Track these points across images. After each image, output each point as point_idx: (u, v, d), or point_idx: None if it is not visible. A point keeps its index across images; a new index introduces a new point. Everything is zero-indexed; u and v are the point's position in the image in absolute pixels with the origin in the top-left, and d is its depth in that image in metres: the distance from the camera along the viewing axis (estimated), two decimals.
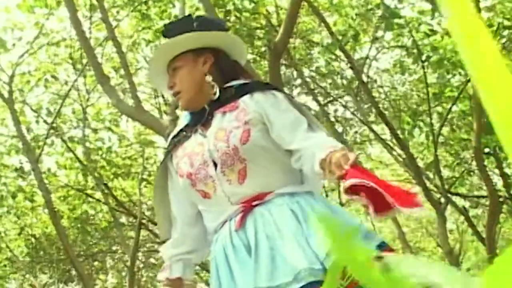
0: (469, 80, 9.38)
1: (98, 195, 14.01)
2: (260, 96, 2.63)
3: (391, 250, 2.52)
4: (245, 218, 2.43)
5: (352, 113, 13.44)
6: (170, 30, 2.75)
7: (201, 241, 2.73)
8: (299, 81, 12.98)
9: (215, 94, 2.68)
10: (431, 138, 10.37)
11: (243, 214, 2.44)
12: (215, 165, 2.51)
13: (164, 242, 2.83)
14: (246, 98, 2.62)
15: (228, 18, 10.09)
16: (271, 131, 2.54)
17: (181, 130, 2.76)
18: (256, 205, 2.44)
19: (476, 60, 0.46)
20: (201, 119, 2.67)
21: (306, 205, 2.43)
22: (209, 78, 2.72)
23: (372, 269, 0.60)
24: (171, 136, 2.83)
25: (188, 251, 2.73)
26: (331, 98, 13.42)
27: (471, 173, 11.07)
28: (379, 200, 2.08)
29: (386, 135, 12.76)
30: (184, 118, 2.83)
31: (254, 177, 2.48)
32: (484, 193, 11.31)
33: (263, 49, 11.53)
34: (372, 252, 0.62)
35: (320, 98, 12.94)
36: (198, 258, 2.84)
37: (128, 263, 12.50)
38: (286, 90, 10.88)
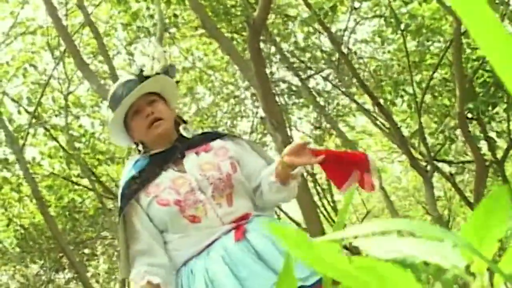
0: (449, 47, 9.39)
1: (84, 182, 13.99)
2: (230, 141, 3.01)
3: None
4: (243, 231, 2.66)
5: (334, 86, 13.43)
6: (145, 75, 2.92)
7: (168, 266, 2.76)
8: (278, 56, 12.95)
9: (183, 134, 2.98)
10: (414, 106, 10.38)
11: (238, 229, 2.68)
12: (202, 192, 2.74)
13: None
14: (218, 141, 2.97)
15: None
16: (241, 170, 2.89)
17: (142, 171, 2.88)
18: (245, 223, 2.71)
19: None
20: (171, 157, 2.88)
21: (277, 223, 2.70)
22: (179, 120, 3.06)
23: (341, 263, 0.59)
24: (128, 177, 2.88)
25: (161, 264, 2.74)
26: (312, 72, 13.41)
27: (455, 139, 11.09)
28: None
29: (369, 105, 12.78)
30: (134, 165, 2.94)
31: (238, 200, 2.79)
32: (470, 158, 11.35)
33: (239, 26, 11.50)
34: (337, 245, 0.62)
35: (301, 73, 12.91)
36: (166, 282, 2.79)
37: (119, 248, 12.49)
38: (266, 66, 10.87)
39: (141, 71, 2.92)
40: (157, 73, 2.94)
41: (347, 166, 2.72)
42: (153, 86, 2.91)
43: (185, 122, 3.08)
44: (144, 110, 2.87)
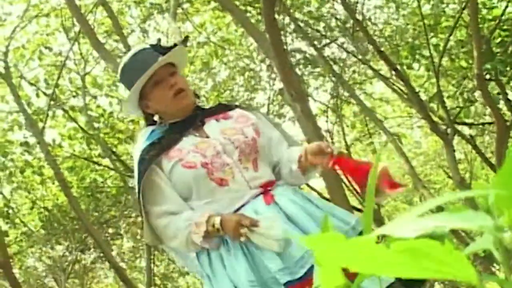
0: (464, 8, 9.30)
1: (105, 161, 14.05)
2: (249, 112, 3.01)
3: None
4: (272, 196, 2.65)
5: (349, 53, 13.36)
6: (159, 45, 2.90)
7: None
8: (292, 26, 12.89)
9: (194, 104, 2.93)
10: (431, 70, 10.31)
11: (266, 193, 2.66)
12: (228, 156, 2.71)
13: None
14: (237, 110, 2.98)
15: None
16: (263, 138, 2.88)
17: (161, 138, 2.82)
18: (271, 189, 2.70)
19: None
20: (191, 125, 2.85)
21: (301, 193, 2.78)
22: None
23: (381, 253, 0.58)
24: (145, 145, 2.81)
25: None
26: (327, 41, 13.34)
27: (474, 101, 11.03)
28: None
29: (386, 72, 12.72)
30: (151, 134, 2.87)
31: (263, 166, 2.78)
32: (489, 119, 11.29)
33: None
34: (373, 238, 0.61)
35: (316, 42, 12.85)
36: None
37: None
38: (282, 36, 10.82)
39: (159, 40, 2.91)
40: (175, 44, 2.90)
41: (364, 169, 2.62)
42: (173, 57, 2.87)
43: (197, 95, 3.05)
44: (167, 80, 2.82)
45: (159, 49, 2.85)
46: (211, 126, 2.84)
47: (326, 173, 7.21)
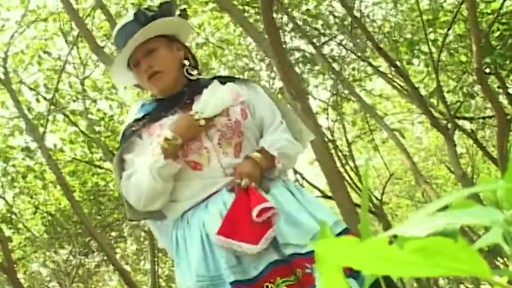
0: (462, 2, 9.30)
1: (107, 165, 14.06)
2: (244, 85, 2.79)
3: (354, 234, 2.56)
4: None
5: (348, 50, 13.36)
6: (144, 14, 2.72)
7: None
8: (290, 25, 12.89)
9: (190, 77, 2.74)
10: (430, 65, 10.32)
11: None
12: (208, 138, 2.54)
13: (132, 220, 2.72)
14: (231, 85, 2.73)
15: None
16: (253, 117, 2.67)
17: (146, 114, 2.70)
18: None
19: None
20: (177, 102, 2.68)
21: (282, 183, 2.59)
22: (187, 62, 2.78)
23: (394, 254, 0.58)
24: (131, 120, 2.72)
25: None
26: (326, 39, 13.34)
27: (475, 95, 11.02)
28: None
29: (385, 68, 12.74)
30: (140, 109, 2.76)
31: (245, 151, 2.56)
32: (490, 113, 11.29)
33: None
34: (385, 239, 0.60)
35: (314, 40, 12.86)
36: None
37: (146, 228, 12.57)
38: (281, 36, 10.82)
39: (136, 14, 2.72)
40: (153, 17, 2.69)
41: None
42: (150, 32, 2.68)
43: (195, 60, 2.86)
44: (141, 63, 2.69)
45: (142, 21, 2.68)
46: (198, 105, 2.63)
47: (329, 171, 7.22)
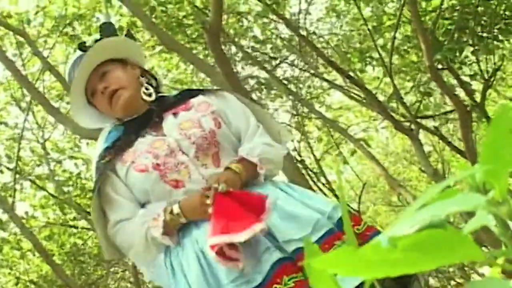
0: (404, 4, 9.40)
1: (82, 223, 13.95)
2: (213, 95, 2.75)
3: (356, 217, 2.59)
4: None
5: (301, 70, 13.43)
6: (87, 43, 2.70)
7: None
8: (240, 54, 12.95)
9: (150, 96, 2.69)
10: (384, 70, 10.41)
11: None
12: (183, 153, 2.50)
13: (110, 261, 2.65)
14: (200, 97, 2.71)
15: (154, 14, 10.03)
16: (228, 126, 2.64)
17: (116, 140, 2.64)
18: None
19: None
20: (147, 122, 2.63)
21: (271, 183, 2.58)
22: (143, 80, 2.75)
23: (388, 253, 0.58)
24: (102, 150, 2.65)
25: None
26: (277, 62, 13.41)
27: (432, 93, 11.12)
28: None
29: (340, 81, 12.82)
30: (108, 136, 2.70)
31: (226, 160, 2.52)
32: (450, 108, 11.39)
33: (194, 36, 11.49)
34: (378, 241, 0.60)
35: (266, 65, 12.92)
36: None
37: (132, 279, 12.47)
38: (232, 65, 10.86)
39: (79, 45, 2.71)
40: (97, 41, 2.67)
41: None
42: (98, 53, 2.66)
43: (154, 77, 2.83)
44: (97, 88, 2.65)
45: (87, 48, 2.66)
46: (168, 121, 2.63)
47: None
